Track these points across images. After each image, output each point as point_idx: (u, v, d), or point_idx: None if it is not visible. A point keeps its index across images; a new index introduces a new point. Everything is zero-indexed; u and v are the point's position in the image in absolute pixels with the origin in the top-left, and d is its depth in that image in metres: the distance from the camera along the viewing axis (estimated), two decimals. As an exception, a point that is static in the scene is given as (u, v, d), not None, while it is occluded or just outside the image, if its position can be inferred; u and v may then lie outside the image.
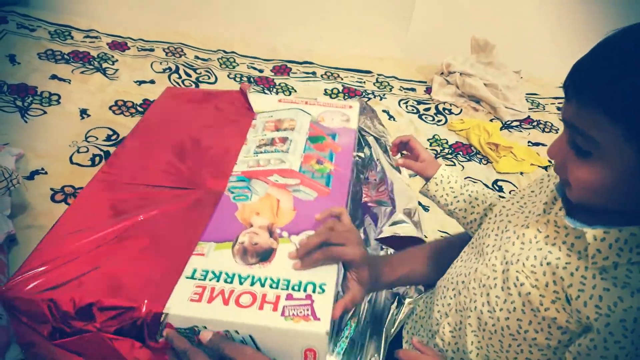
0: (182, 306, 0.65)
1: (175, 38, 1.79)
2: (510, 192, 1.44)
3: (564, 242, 0.55)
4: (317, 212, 0.80)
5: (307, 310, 0.65)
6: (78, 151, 1.27)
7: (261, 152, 0.92)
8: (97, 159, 1.26)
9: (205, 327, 0.65)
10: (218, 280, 0.68)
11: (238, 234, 0.75)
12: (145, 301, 0.65)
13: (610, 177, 0.49)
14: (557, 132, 1.75)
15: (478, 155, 1.56)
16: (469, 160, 1.53)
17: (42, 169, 1.20)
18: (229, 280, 0.68)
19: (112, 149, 1.29)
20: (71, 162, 1.24)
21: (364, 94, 1.74)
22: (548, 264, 0.55)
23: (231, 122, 1.00)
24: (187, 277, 0.68)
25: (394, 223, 1.01)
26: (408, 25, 1.90)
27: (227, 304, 0.65)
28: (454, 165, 1.51)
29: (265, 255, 0.73)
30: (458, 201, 0.77)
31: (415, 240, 0.99)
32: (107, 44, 1.70)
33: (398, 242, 0.98)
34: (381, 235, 0.97)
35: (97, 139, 1.32)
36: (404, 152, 0.86)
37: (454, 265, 0.69)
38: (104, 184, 0.83)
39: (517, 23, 1.94)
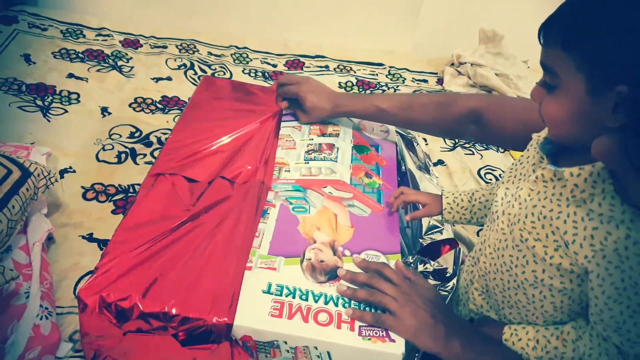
0: (264, 321, 0.67)
1: (187, 35, 1.78)
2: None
3: (552, 194, 0.63)
4: (373, 230, 0.83)
5: (383, 331, 0.68)
6: (103, 149, 1.27)
7: (311, 159, 0.94)
8: (123, 156, 1.26)
9: (286, 342, 0.68)
10: (294, 297, 0.70)
11: (303, 249, 0.77)
12: (219, 315, 0.66)
13: (570, 107, 0.57)
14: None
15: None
16: (486, 149, 1.55)
17: (71, 168, 1.19)
18: (303, 297, 0.70)
19: (137, 146, 1.29)
20: (98, 159, 1.24)
21: (377, 86, 1.75)
22: (544, 217, 0.62)
23: (258, 113, 1.00)
24: (263, 292, 0.70)
25: (428, 230, 1.01)
26: (416, 18, 1.91)
27: (306, 321, 0.68)
28: (473, 154, 1.53)
29: (332, 273, 0.75)
30: (475, 213, 0.84)
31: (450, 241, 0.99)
32: (120, 41, 1.69)
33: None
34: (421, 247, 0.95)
35: (120, 136, 1.32)
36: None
37: (477, 240, 0.76)
38: (162, 182, 0.84)
39: (524, 13, 1.97)
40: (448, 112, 0.93)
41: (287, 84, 1.01)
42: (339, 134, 0.99)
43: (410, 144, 1.12)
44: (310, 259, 0.76)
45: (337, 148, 0.96)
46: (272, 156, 0.92)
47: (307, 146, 0.96)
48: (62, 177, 1.16)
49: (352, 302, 0.71)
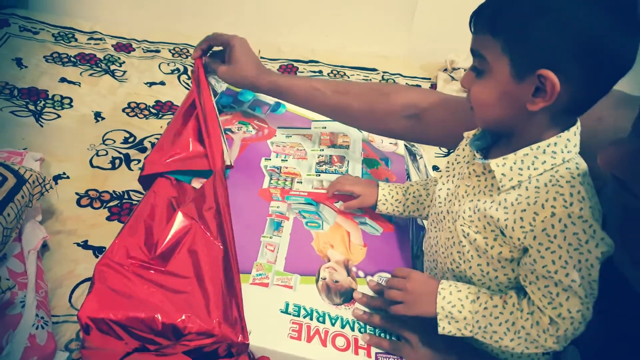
0: (282, 343, 0.66)
1: (180, 39, 1.78)
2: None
3: (485, 186, 0.65)
4: (385, 250, 0.83)
5: (399, 359, 0.68)
6: (97, 154, 1.26)
7: (323, 172, 0.93)
8: (117, 161, 1.25)
9: None
10: (311, 319, 0.70)
11: (318, 267, 0.77)
12: (231, 330, 0.64)
13: (495, 89, 0.59)
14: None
15: (488, 149, 1.59)
16: (480, 155, 1.56)
17: (64, 174, 1.18)
18: (321, 319, 0.70)
19: (131, 152, 1.28)
20: (92, 165, 1.23)
21: (370, 91, 1.75)
22: (479, 210, 0.65)
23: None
24: (281, 311, 0.70)
25: None
26: (411, 22, 1.92)
27: (325, 345, 0.67)
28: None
29: (347, 295, 0.75)
30: (408, 207, 0.85)
31: None
32: (112, 45, 1.68)
33: None
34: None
35: (114, 141, 1.31)
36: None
37: (425, 240, 0.79)
38: (162, 188, 0.82)
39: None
40: (383, 102, 0.89)
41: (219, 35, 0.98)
42: (349, 145, 0.99)
43: (414, 158, 1.12)
44: (325, 279, 0.76)
45: (348, 161, 0.96)
46: (214, 134, 0.88)
47: (318, 157, 0.96)
48: (55, 183, 1.15)
49: (368, 329, 0.71)
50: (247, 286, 0.71)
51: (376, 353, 0.68)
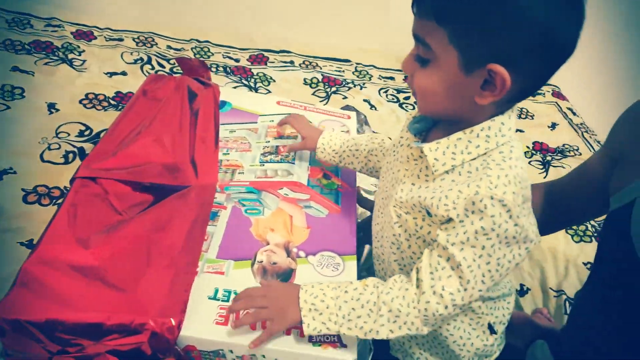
0: (207, 329, 0.63)
1: (145, 27, 1.70)
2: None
3: (420, 170, 0.64)
4: (330, 230, 0.80)
5: (335, 337, 0.65)
6: (49, 148, 1.18)
7: (267, 162, 0.90)
8: (71, 155, 1.18)
9: (231, 351, 0.63)
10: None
11: (255, 251, 0.73)
12: (160, 319, 0.60)
13: (442, 80, 0.56)
14: (532, 118, 1.77)
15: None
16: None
17: (11, 169, 1.10)
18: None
19: (86, 145, 1.21)
20: (42, 160, 1.15)
21: (343, 83, 1.70)
22: (411, 190, 0.64)
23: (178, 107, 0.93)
24: (209, 298, 0.66)
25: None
26: (386, 13, 1.87)
27: (254, 329, 0.64)
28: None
29: (285, 276, 0.72)
30: (344, 158, 0.85)
31: None
32: (72, 33, 1.59)
33: None
34: None
35: (68, 134, 1.23)
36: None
37: (373, 225, 0.76)
38: (88, 186, 0.76)
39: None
40: None
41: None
42: (297, 135, 0.95)
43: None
44: (261, 262, 0.72)
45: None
46: (199, 152, 0.85)
47: (263, 148, 0.92)
48: (0, 179, 1.07)
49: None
50: None
51: (323, 334, 0.64)
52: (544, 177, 1.50)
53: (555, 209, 0.87)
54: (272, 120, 0.99)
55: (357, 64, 1.81)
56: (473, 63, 0.54)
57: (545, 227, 0.89)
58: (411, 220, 0.64)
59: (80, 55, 1.52)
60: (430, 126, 0.67)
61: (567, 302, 1.13)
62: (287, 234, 0.77)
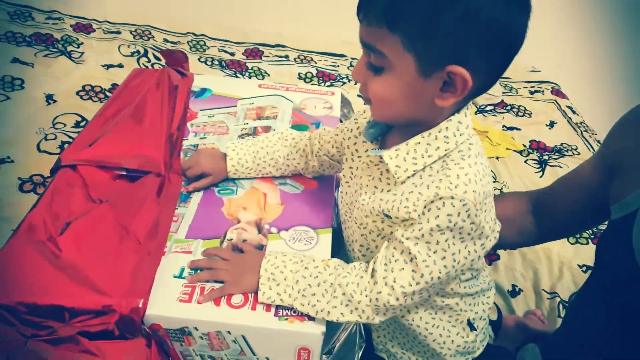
0: (171, 307, 0.63)
1: (143, 20, 1.73)
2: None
3: (381, 173, 0.64)
4: (304, 205, 0.80)
5: (296, 314, 0.64)
6: (45, 138, 1.22)
7: None
8: (66, 146, 1.21)
9: (196, 328, 0.64)
10: (208, 280, 0.67)
11: (226, 230, 0.74)
12: (125, 300, 0.63)
13: (399, 87, 0.55)
14: (530, 116, 1.77)
15: (453, 139, 1.57)
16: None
17: (8, 158, 1.14)
18: (220, 280, 0.67)
19: (81, 136, 1.24)
20: (39, 149, 1.19)
21: (338, 78, 1.72)
22: (373, 194, 0.64)
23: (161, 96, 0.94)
24: (175, 277, 0.67)
25: None
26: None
27: (218, 305, 0.64)
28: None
29: None
30: (260, 171, 0.82)
31: None
32: (71, 25, 1.63)
33: None
34: None
35: (65, 125, 1.27)
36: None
37: (343, 230, 0.77)
38: (66, 174, 0.79)
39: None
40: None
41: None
42: (277, 116, 0.95)
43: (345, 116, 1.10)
44: (231, 239, 0.73)
45: (274, 129, 0.92)
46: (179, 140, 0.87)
47: (241, 130, 0.93)
48: (-3, 167, 1.12)
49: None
50: None
51: (277, 307, 0.65)
52: (540, 177, 1.48)
53: (547, 218, 0.85)
54: (252, 103, 0.99)
55: (352, 58, 1.82)
56: (431, 66, 0.53)
57: (539, 236, 0.87)
58: (371, 223, 0.65)
59: (78, 47, 1.55)
60: (385, 131, 0.66)
61: (560, 305, 1.12)
62: (259, 212, 0.77)
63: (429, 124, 0.59)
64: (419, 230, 0.58)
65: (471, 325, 0.73)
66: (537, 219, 0.86)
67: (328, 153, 0.78)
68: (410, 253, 0.59)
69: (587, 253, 1.22)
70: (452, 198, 0.56)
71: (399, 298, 0.61)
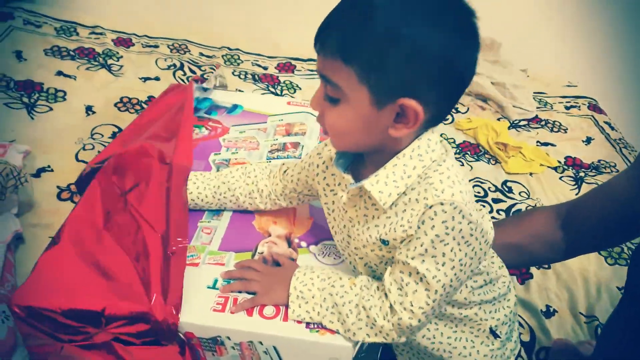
0: (205, 316, 0.65)
1: (180, 34, 1.78)
2: (519, 193, 1.43)
3: (366, 202, 0.64)
4: None
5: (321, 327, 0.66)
6: (84, 148, 1.27)
7: (274, 158, 0.93)
8: (103, 156, 1.26)
9: (229, 338, 0.66)
10: (240, 292, 0.69)
11: (257, 243, 0.76)
12: (161, 307, 0.64)
13: (354, 118, 0.57)
14: (565, 132, 1.73)
15: (486, 155, 1.55)
16: (477, 160, 1.52)
17: (49, 167, 1.19)
18: (251, 291, 0.69)
19: (118, 147, 1.29)
20: (77, 159, 1.24)
21: (370, 91, 1.73)
22: (367, 229, 0.64)
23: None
24: (208, 287, 0.69)
25: None
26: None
27: (251, 315, 0.66)
28: (462, 164, 1.50)
29: None
30: (221, 205, 0.82)
31: None
32: (112, 40, 1.69)
33: None
34: None
35: (102, 136, 1.32)
36: None
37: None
38: (99, 186, 0.83)
39: (522, 21, 1.93)
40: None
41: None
42: (305, 132, 0.97)
43: None
44: (262, 253, 0.75)
45: (302, 145, 0.94)
46: (184, 133, 0.89)
47: (271, 146, 0.95)
48: (38, 176, 1.16)
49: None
50: None
51: (307, 322, 0.66)
52: (576, 194, 1.44)
53: (577, 230, 0.83)
54: (282, 120, 1.02)
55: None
56: (384, 99, 0.55)
57: (568, 251, 0.86)
58: (371, 252, 0.65)
59: (118, 60, 1.61)
60: (353, 159, 0.67)
61: (599, 329, 1.08)
62: (289, 226, 0.79)
63: (392, 148, 0.61)
64: (421, 245, 0.59)
65: (494, 333, 0.73)
66: (565, 232, 0.85)
67: (295, 191, 0.78)
68: (418, 273, 0.60)
69: (625, 274, 1.17)
70: (442, 204, 0.57)
71: (421, 319, 0.61)
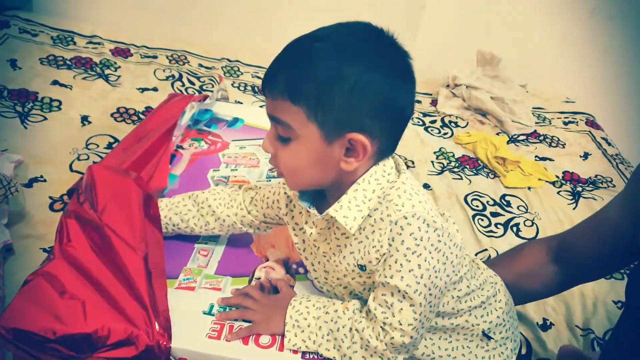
0: (199, 342, 0.64)
1: (179, 45, 1.77)
2: (517, 207, 1.41)
3: (335, 233, 0.65)
4: None
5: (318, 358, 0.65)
6: (78, 158, 1.24)
7: (274, 177, 0.92)
8: (98, 167, 1.23)
9: None
10: (236, 319, 0.67)
11: (254, 268, 0.75)
12: (151, 331, 0.62)
13: (306, 155, 0.59)
14: (563, 147, 1.73)
15: (485, 169, 1.54)
16: (476, 174, 1.51)
17: (42, 177, 1.17)
18: (248, 319, 0.67)
19: (113, 157, 1.26)
20: (71, 169, 1.21)
21: (369, 105, 1.71)
22: (344, 257, 0.65)
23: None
24: (204, 313, 0.68)
25: None
26: (414, 38, 1.88)
27: (246, 344, 0.65)
28: (461, 179, 1.48)
29: None
30: (183, 232, 0.80)
31: None
32: (110, 50, 1.68)
33: None
34: None
35: (97, 146, 1.29)
36: None
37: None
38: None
39: (523, 37, 1.94)
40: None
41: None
42: None
43: None
44: (259, 279, 0.74)
45: None
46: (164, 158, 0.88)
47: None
48: (30, 186, 1.14)
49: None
50: (172, 291, 0.70)
51: (303, 351, 0.65)
52: (574, 209, 1.44)
53: (571, 263, 0.83)
54: None
55: (384, 86, 1.82)
56: (333, 134, 0.58)
57: (562, 285, 0.87)
58: (352, 280, 0.66)
59: (116, 71, 1.60)
60: (315, 195, 0.69)
61: (595, 342, 1.08)
62: (287, 250, 0.78)
63: (349, 180, 0.62)
64: (395, 262, 0.60)
65: (487, 336, 0.73)
66: (560, 266, 0.84)
67: (264, 223, 0.77)
68: (400, 291, 0.60)
69: (622, 288, 1.16)
70: (405, 217, 0.59)
71: (413, 335, 0.61)
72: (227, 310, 0.70)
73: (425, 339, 0.72)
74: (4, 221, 0.98)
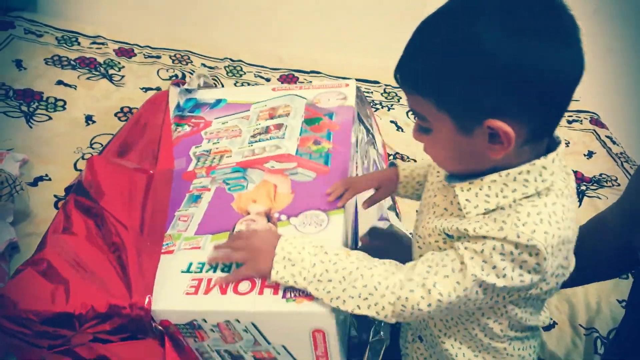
0: (177, 300, 0.62)
1: (182, 46, 1.78)
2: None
3: (454, 197, 0.60)
4: (315, 191, 0.78)
5: (302, 294, 0.61)
6: (82, 157, 1.25)
7: (256, 142, 0.90)
8: (102, 166, 1.24)
9: (205, 320, 0.62)
10: (215, 271, 0.66)
11: (234, 222, 0.73)
12: (131, 299, 0.63)
13: (445, 145, 0.57)
14: (567, 146, 1.73)
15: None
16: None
17: (46, 175, 1.18)
18: (226, 269, 0.65)
19: (117, 156, 1.27)
20: (75, 168, 1.22)
21: (371, 103, 1.72)
22: (442, 215, 0.62)
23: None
24: (182, 272, 0.66)
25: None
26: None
27: (224, 293, 0.62)
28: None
29: None
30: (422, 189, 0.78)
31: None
32: (114, 50, 1.69)
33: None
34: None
35: (101, 145, 1.30)
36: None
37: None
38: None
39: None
40: None
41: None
42: (289, 113, 0.95)
43: (366, 115, 1.10)
44: (240, 231, 0.72)
45: (286, 126, 0.92)
46: (165, 139, 0.89)
47: (254, 131, 0.93)
48: (35, 184, 1.15)
49: None
50: None
51: (285, 289, 0.62)
52: (577, 207, 1.44)
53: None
54: (265, 105, 0.99)
55: (387, 85, 1.82)
56: (469, 124, 0.53)
57: (564, 284, 0.85)
58: (434, 242, 0.62)
59: (119, 71, 1.60)
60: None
61: (598, 340, 1.07)
62: (269, 202, 0.76)
63: (504, 167, 0.56)
64: (482, 245, 0.55)
65: None
66: None
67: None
68: (462, 263, 0.56)
69: (626, 287, 1.16)
70: (518, 237, 0.53)
71: (431, 304, 0.57)
72: (213, 253, 0.67)
73: (460, 345, 0.68)
74: (9, 219, 0.98)
